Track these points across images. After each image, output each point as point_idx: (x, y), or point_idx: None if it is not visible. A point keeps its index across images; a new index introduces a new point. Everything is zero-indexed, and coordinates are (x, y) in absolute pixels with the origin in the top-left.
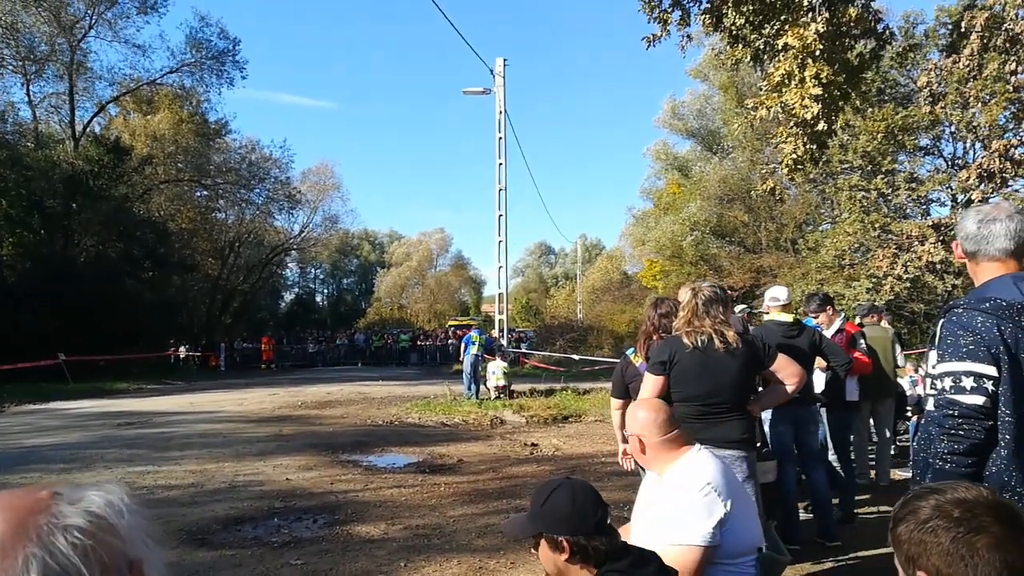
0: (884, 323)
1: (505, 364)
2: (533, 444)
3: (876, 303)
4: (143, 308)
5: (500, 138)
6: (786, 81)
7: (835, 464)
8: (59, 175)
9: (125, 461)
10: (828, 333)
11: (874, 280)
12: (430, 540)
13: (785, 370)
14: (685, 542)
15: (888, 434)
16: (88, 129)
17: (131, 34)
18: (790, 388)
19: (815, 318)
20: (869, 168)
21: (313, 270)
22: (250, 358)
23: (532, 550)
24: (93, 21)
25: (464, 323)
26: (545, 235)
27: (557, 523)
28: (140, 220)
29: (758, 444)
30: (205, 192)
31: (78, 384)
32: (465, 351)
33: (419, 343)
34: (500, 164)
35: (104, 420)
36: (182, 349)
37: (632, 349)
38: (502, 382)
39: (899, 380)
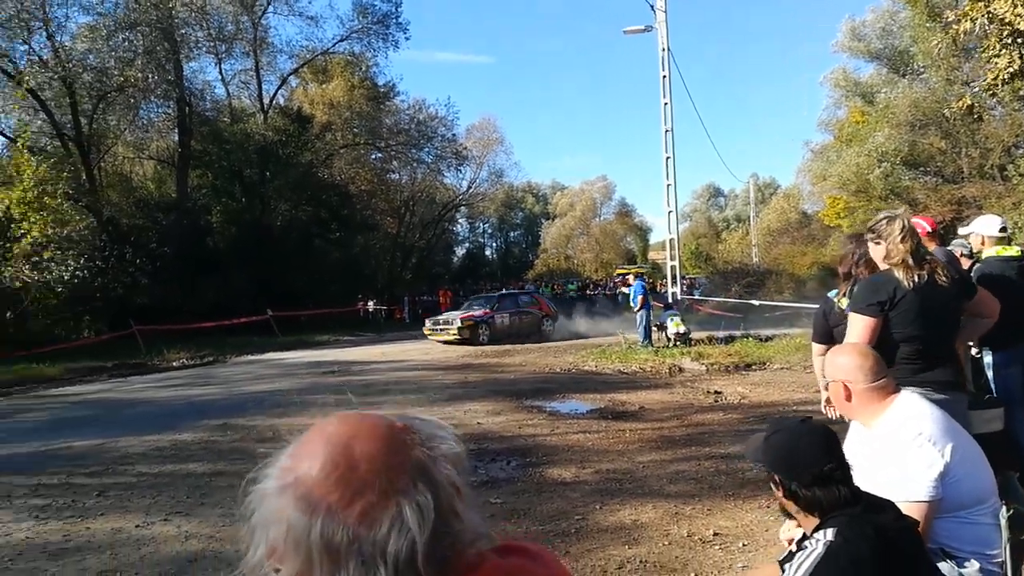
0: None
1: (677, 312)
2: (716, 392)
3: None
4: (332, 266)
5: (664, 76)
6: None
7: None
8: (253, 146)
9: (332, 406)
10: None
11: None
12: (622, 484)
13: (987, 303)
14: (905, 499)
15: None
16: (274, 101)
17: (304, 6)
18: (989, 321)
19: None
20: None
21: (481, 224)
22: (431, 310)
23: None
24: None
25: (631, 271)
26: (713, 176)
27: (774, 462)
28: (325, 184)
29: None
30: (380, 154)
31: (285, 337)
32: (634, 299)
33: (587, 292)
34: (665, 104)
35: (310, 369)
36: (370, 303)
37: (835, 291)
38: (681, 328)
39: None
